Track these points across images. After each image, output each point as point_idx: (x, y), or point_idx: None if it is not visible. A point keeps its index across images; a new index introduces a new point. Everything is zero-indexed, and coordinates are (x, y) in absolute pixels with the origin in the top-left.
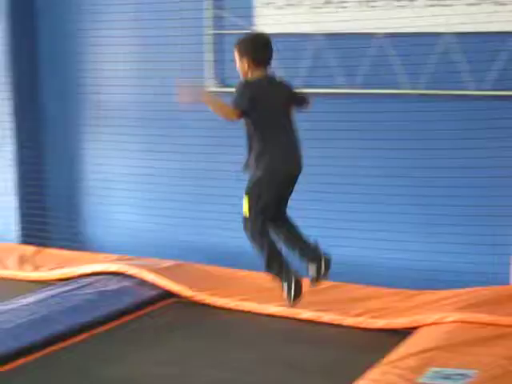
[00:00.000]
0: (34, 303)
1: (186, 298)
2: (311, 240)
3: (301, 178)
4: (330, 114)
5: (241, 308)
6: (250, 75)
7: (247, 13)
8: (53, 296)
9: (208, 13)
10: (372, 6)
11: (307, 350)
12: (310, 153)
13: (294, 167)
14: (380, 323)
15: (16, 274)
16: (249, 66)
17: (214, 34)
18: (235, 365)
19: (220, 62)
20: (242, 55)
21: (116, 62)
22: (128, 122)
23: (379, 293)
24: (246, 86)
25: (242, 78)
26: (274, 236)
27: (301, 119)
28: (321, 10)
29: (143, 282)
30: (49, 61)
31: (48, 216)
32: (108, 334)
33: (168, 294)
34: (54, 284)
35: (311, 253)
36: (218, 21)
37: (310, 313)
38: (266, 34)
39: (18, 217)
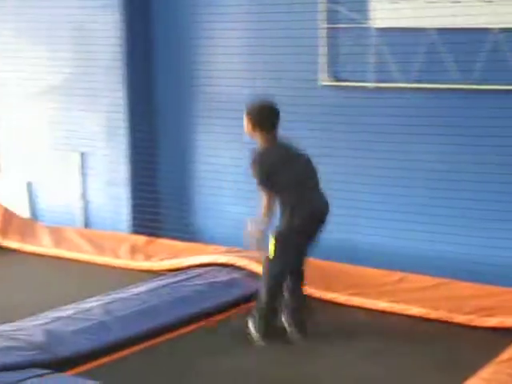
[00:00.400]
0: (145, 293)
1: None
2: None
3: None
4: (442, 110)
5: (350, 303)
6: (258, 141)
7: (361, 7)
8: (163, 286)
9: (322, 6)
10: (488, 1)
11: (417, 346)
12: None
13: (323, 209)
14: (492, 322)
15: (127, 264)
16: (254, 130)
17: (328, 28)
18: (342, 359)
19: (334, 56)
20: (249, 122)
21: (229, 54)
22: (240, 114)
23: (489, 291)
24: (259, 164)
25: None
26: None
27: (414, 114)
28: (435, 4)
29: (252, 274)
30: (163, 50)
31: (159, 206)
32: (217, 326)
33: None
34: (165, 274)
35: (297, 320)
36: (333, 15)
37: (420, 309)
38: (272, 101)
39: (130, 207)
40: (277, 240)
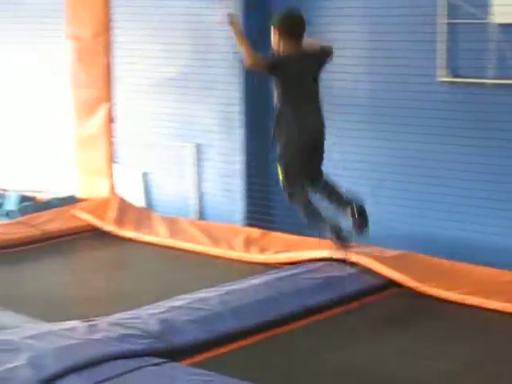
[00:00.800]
0: (261, 285)
1: (410, 288)
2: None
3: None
4: None
5: (467, 302)
6: (281, 49)
7: (482, 2)
8: (279, 279)
9: (443, 1)
10: None
11: None
12: None
13: (314, 133)
14: None
15: (242, 256)
16: (279, 38)
17: (448, 23)
18: (459, 359)
19: (453, 52)
20: (275, 30)
21: (347, 48)
22: (357, 109)
23: None
24: (277, 56)
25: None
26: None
27: None
28: None
29: (367, 271)
30: None
31: (273, 200)
32: (331, 320)
33: (392, 284)
34: (279, 267)
35: (344, 201)
36: (453, 10)
37: None
38: (298, 10)
39: (244, 199)
40: (279, 162)
